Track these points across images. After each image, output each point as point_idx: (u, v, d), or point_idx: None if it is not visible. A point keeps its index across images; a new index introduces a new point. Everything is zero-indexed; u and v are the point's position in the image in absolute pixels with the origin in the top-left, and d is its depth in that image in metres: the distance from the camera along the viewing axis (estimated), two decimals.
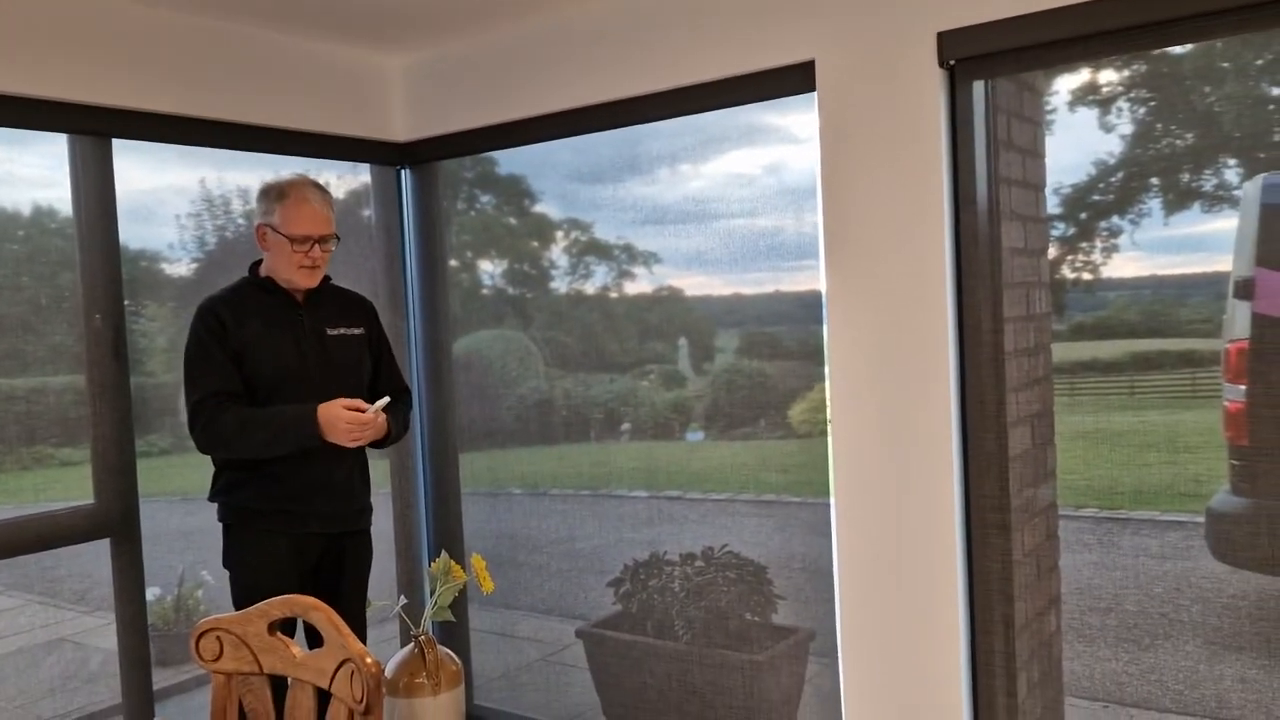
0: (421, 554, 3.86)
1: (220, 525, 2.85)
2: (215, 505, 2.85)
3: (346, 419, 2.63)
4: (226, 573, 2.84)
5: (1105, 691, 3.92)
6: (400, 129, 3.66)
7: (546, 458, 4.10)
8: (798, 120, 3.11)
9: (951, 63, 2.54)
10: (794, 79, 2.73)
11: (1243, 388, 2.79)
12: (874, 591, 2.68)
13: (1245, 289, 2.78)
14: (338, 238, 2.84)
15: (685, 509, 4.38)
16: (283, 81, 3.29)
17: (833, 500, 2.76)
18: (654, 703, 3.21)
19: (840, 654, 2.78)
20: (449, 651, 3.06)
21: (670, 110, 3.08)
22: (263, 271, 2.88)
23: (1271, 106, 2.94)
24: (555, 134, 3.39)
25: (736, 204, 3.39)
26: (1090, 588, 5.08)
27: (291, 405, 2.71)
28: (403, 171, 3.81)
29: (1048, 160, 3.00)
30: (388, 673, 2.98)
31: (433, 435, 3.81)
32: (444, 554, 3.09)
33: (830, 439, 2.75)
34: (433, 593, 3.04)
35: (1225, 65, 3.10)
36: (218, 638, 1.99)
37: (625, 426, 3.88)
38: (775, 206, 3.27)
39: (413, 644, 2.97)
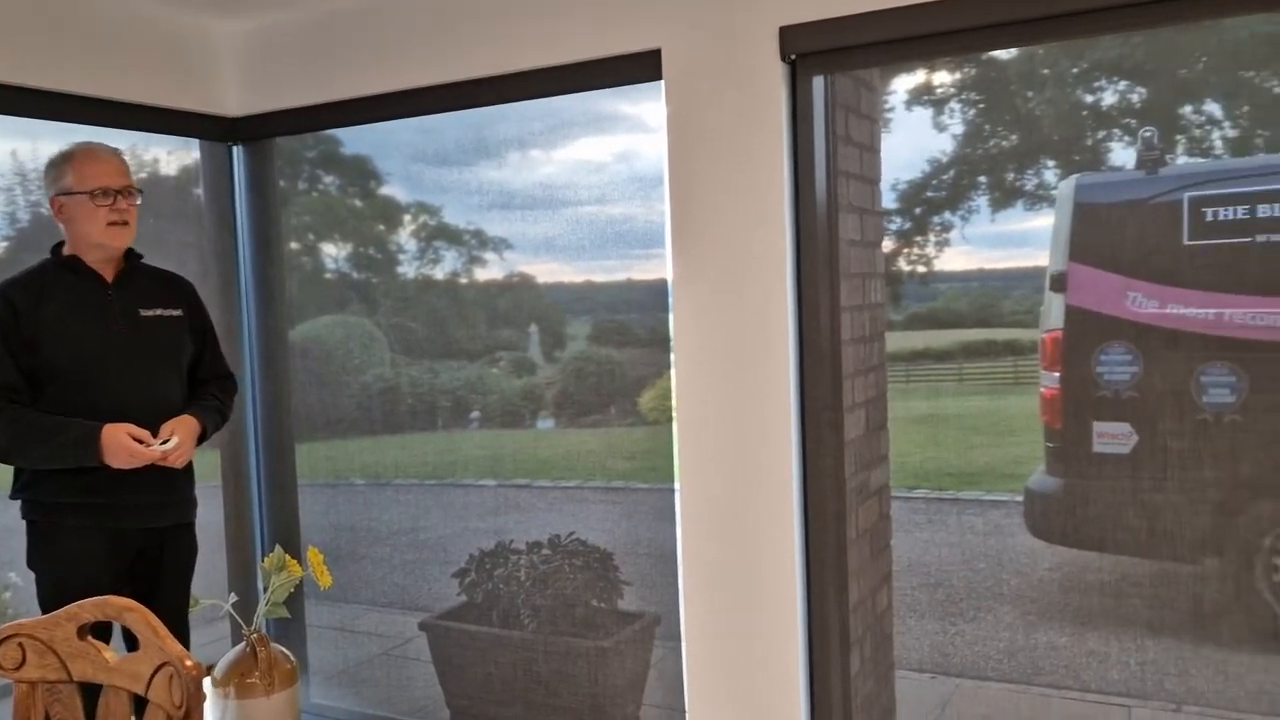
0: (255, 549, 3.70)
1: (24, 523, 2.66)
2: (18, 502, 2.65)
3: (129, 450, 2.48)
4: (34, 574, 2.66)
5: (933, 663, 4.14)
6: (232, 103, 3.47)
7: (391, 447, 4.01)
8: (649, 109, 3.13)
9: (793, 57, 2.61)
10: (640, 67, 2.73)
11: (1057, 375, 3.00)
12: (715, 574, 2.73)
13: (1060, 282, 2.98)
14: (140, 192, 2.67)
15: (534, 497, 4.36)
16: (101, 46, 3.06)
17: (677, 485, 2.80)
18: (499, 693, 3.18)
19: (683, 637, 2.82)
20: (283, 649, 2.95)
21: (517, 94, 3.03)
22: (66, 251, 2.68)
23: (1086, 112, 3.10)
24: (398, 113, 3.29)
25: (588, 191, 3.37)
26: (921, 565, 5.34)
27: (76, 421, 2.52)
28: (234, 148, 3.62)
29: (886, 157, 3.13)
30: (218, 673, 2.85)
31: (267, 425, 3.65)
32: (278, 548, 2.97)
33: (675, 425, 2.79)
34: (267, 589, 2.92)
35: (1045, 72, 3.28)
36: (20, 644, 1.84)
37: (474, 414, 3.85)
38: (626, 194, 3.27)
39: (244, 643, 2.85)
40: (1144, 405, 2.78)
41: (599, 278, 3.46)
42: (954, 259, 3.31)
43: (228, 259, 3.64)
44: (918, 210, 3.32)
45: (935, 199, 3.31)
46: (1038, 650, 4.17)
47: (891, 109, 3.31)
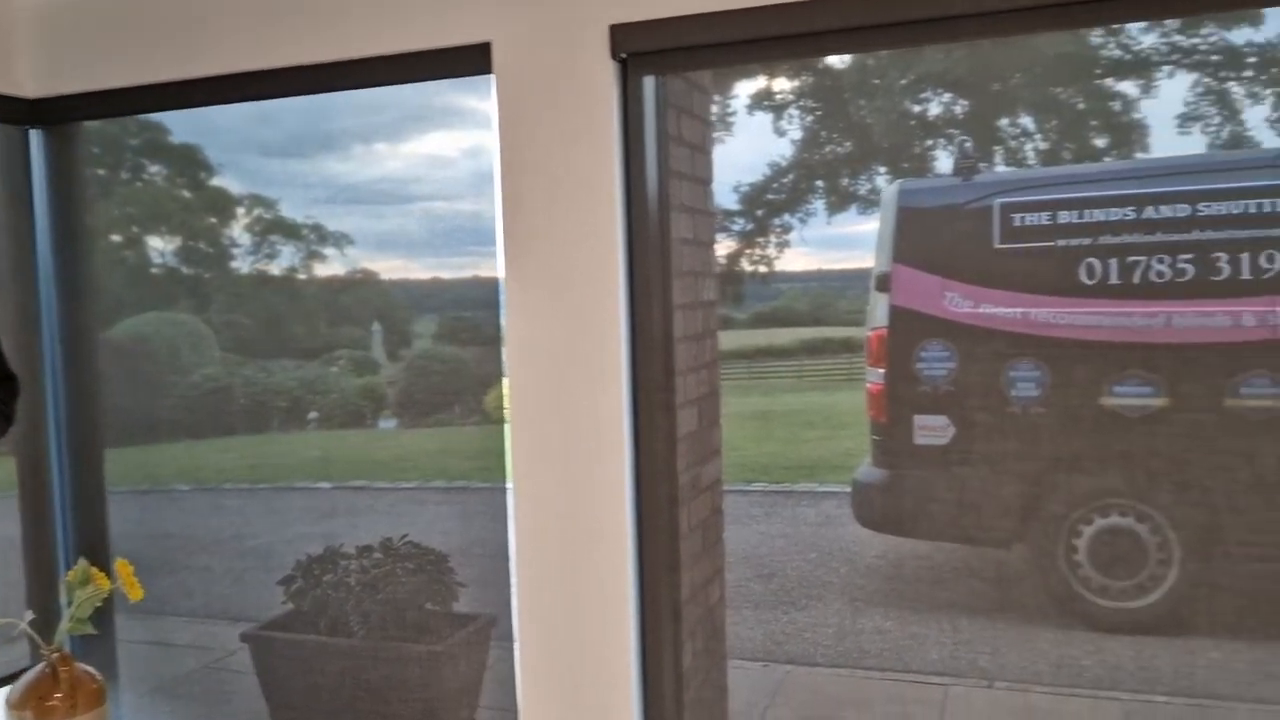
0: (57, 563, 3.43)
1: None
2: None
3: None
4: None
5: (766, 651, 4.26)
6: (27, 82, 3.19)
7: (221, 450, 3.83)
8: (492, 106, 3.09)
9: (623, 56, 2.60)
10: (471, 60, 2.67)
11: (882, 371, 3.10)
12: (547, 573, 2.70)
13: (884, 282, 3.09)
14: None
15: (371, 499, 4.24)
16: None
17: (510, 484, 2.76)
18: (326, 704, 3.07)
19: (516, 637, 2.79)
20: (88, 668, 2.74)
21: (342, 83, 2.90)
22: None
23: (913, 121, 3.27)
24: (217, 99, 3.10)
25: (435, 186, 3.30)
26: (756, 556, 5.49)
27: None
28: (31, 132, 3.35)
29: (729, 159, 3.17)
30: (13, 697, 2.63)
31: (72, 429, 3.39)
32: (82, 561, 2.77)
33: (508, 424, 2.75)
34: (71, 604, 2.72)
35: (877, 82, 3.40)
36: None
37: (312, 415, 3.73)
38: (474, 190, 3.21)
39: (44, 663, 2.64)
40: (960, 399, 2.91)
41: (446, 274, 3.40)
42: (794, 260, 3.43)
43: (24, 251, 3.37)
44: (759, 212, 3.41)
45: (776, 201, 3.41)
46: (864, 635, 4.36)
47: (734, 113, 3.37)
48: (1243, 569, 2.82)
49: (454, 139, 3.29)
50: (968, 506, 2.97)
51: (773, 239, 3.45)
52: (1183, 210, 2.71)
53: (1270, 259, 2.61)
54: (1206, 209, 2.68)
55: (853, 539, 5.54)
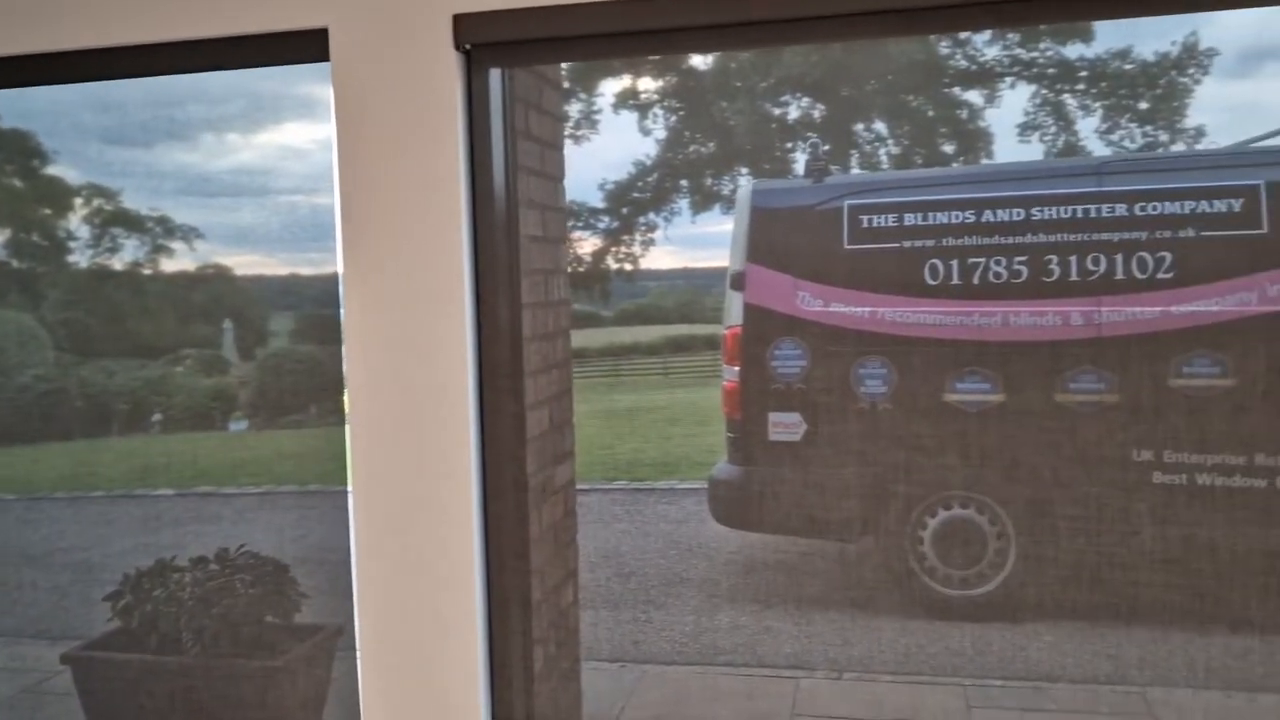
0: None
1: None
2: None
3: None
4: None
5: (623, 651, 4.25)
6: None
7: (53, 456, 3.58)
8: None
9: (468, 47, 2.53)
10: (307, 45, 2.55)
11: (737, 369, 3.12)
12: (390, 580, 2.61)
13: (739, 281, 3.10)
14: None
15: (219, 505, 4.03)
16: None
17: (350, 490, 2.66)
18: None
19: (359, 647, 2.69)
20: None
21: (165, 66, 2.71)
22: None
23: (774, 124, 3.35)
24: (23, 80, 2.89)
25: (291, 179, 3.20)
26: (616, 555, 5.47)
27: None
28: None
29: (595, 158, 3.14)
30: None
31: None
32: None
33: (348, 426, 2.65)
34: None
35: (738, 85, 3.45)
36: None
37: (156, 418, 3.52)
38: (331, 184, 3.11)
39: None
40: (812, 396, 2.96)
41: (304, 270, 3.32)
42: (659, 258, 3.50)
43: None
44: (625, 210, 3.47)
45: (641, 200, 3.47)
46: (720, 631, 4.40)
47: (599, 111, 3.36)
48: (1072, 557, 2.93)
49: (310, 130, 3.18)
50: (819, 501, 3.02)
51: (638, 237, 3.50)
52: (1018, 214, 2.81)
53: (1095, 261, 2.74)
54: (1039, 214, 2.79)
55: (711, 536, 5.59)
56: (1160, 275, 2.70)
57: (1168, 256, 2.69)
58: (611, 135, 3.40)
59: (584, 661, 3.25)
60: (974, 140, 3.33)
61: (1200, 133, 3.14)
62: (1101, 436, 2.76)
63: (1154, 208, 2.73)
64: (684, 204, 3.48)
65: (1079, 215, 2.76)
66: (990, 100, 3.27)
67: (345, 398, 3.43)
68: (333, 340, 3.48)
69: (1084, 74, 3.15)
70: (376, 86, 2.47)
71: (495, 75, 2.50)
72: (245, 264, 3.36)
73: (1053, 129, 3.23)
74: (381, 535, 2.60)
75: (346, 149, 2.52)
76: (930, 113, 3.38)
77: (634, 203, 3.47)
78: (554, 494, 2.75)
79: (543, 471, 2.69)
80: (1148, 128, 3.17)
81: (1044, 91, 3.17)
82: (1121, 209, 2.74)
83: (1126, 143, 3.19)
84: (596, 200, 3.50)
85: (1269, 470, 2.65)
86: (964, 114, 3.31)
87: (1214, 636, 3.90)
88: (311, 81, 3.01)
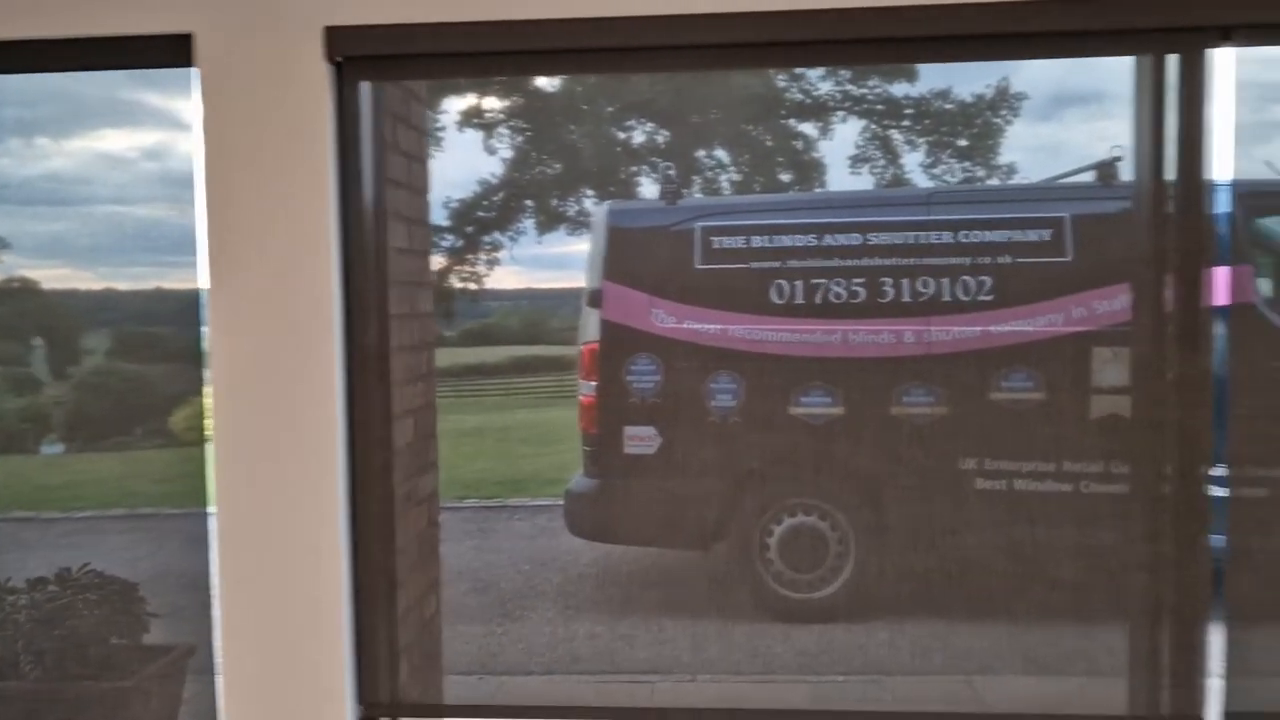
0: None
1: None
2: None
3: None
4: None
5: (481, 664, 4.31)
6: None
7: None
8: (184, 103, 2.93)
9: (339, 60, 2.58)
10: (170, 51, 2.53)
11: (594, 384, 3.25)
12: (255, 595, 2.61)
13: (596, 299, 3.24)
14: None
15: (39, 531, 3.85)
16: None
17: (214, 507, 2.65)
18: None
19: (219, 665, 2.67)
20: None
21: (34, 64, 2.62)
22: None
23: (619, 148, 3.42)
24: None
25: (108, 188, 3.09)
26: (470, 571, 5.51)
27: None
28: None
29: (439, 175, 3.19)
30: None
31: None
32: None
33: (213, 444, 2.63)
34: None
35: (585, 108, 3.57)
36: None
37: None
38: (156, 195, 3.03)
39: None
40: (666, 410, 3.10)
41: (122, 285, 3.19)
42: (504, 278, 3.46)
43: None
44: (469, 229, 3.44)
45: (486, 219, 3.45)
46: (576, 640, 4.52)
47: (443, 128, 3.42)
48: (906, 559, 3.19)
49: (132, 138, 3.11)
50: (673, 512, 3.15)
51: (483, 256, 3.49)
52: (856, 239, 3.03)
53: (925, 284, 2.98)
54: (874, 239, 3.02)
55: (565, 549, 5.70)
56: (982, 297, 2.96)
57: (988, 280, 2.96)
58: (457, 153, 3.39)
59: (444, 674, 3.31)
60: (809, 170, 3.46)
61: (1012, 169, 3.31)
62: (931, 446, 2.99)
63: (976, 235, 2.99)
64: (530, 224, 3.47)
65: (910, 241, 3.00)
66: (824, 133, 3.38)
67: (177, 418, 3.38)
68: (159, 358, 3.43)
69: (909, 111, 3.33)
70: (245, 95, 2.50)
71: (365, 88, 2.57)
72: (55, 277, 3.22)
73: (881, 161, 3.38)
74: (246, 552, 2.60)
75: (214, 160, 2.53)
76: (769, 142, 3.50)
77: (479, 221, 3.45)
78: (419, 504, 2.81)
79: (408, 481, 2.75)
80: (966, 163, 3.35)
81: (873, 126, 3.33)
82: (948, 236, 3.00)
83: (948, 177, 3.37)
84: (441, 218, 3.55)
85: (1074, 475, 2.98)
86: (800, 145, 3.43)
87: (1030, 626, 4.32)
88: (132, 87, 2.98)
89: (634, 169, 3.48)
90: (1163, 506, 2.53)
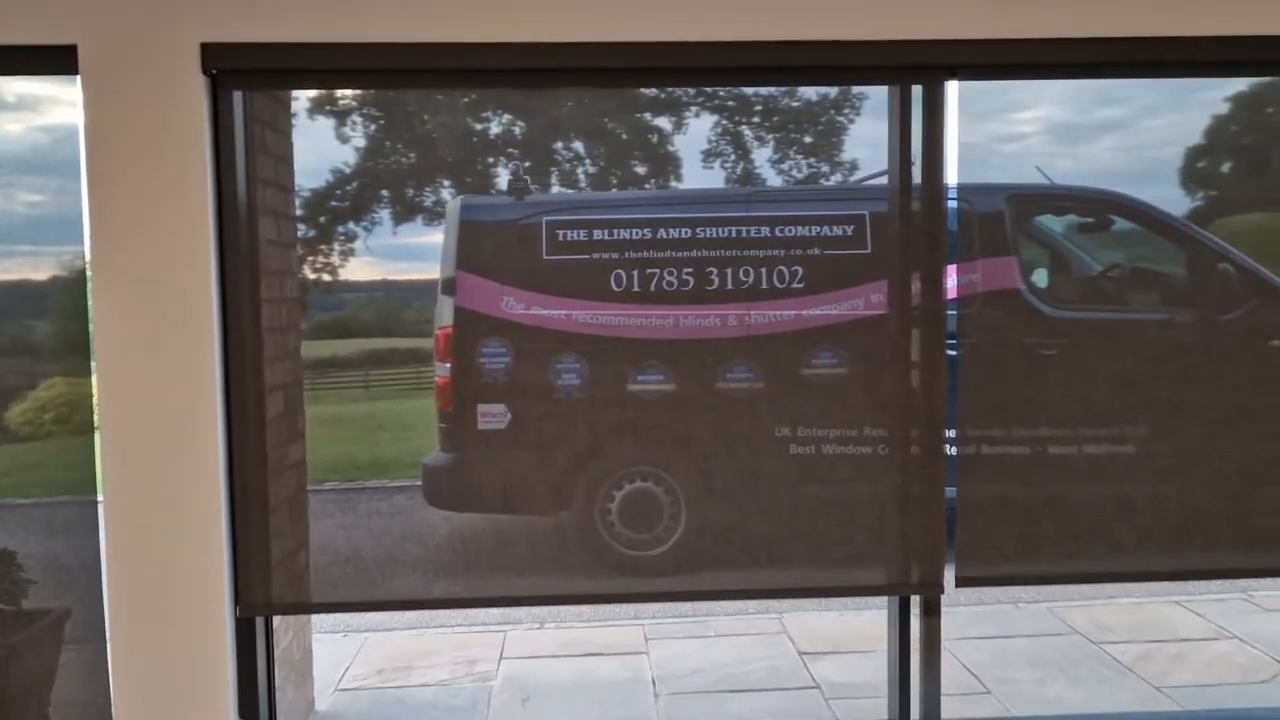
0: None
1: None
2: None
3: None
4: None
5: (345, 623, 4.64)
6: None
7: None
8: (11, 88, 3.06)
9: (214, 72, 2.90)
10: (55, 60, 2.79)
11: (448, 365, 3.49)
12: (140, 566, 2.91)
13: (450, 286, 3.47)
14: None
15: None
16: None
17: (100, 494, 2.92)
18: None
19: (109, 626, 2.95)
20: None
21: None
22: None
23: (475, 139, 3.47)
24: None
25: None
26: (333, 545, 5.79)
27: None
28: None
29: (293, 163, 3.40)
30: None
31: None
32: None
33: (99, 433, 2.89)
34: None
35: (440, 98, 3.57)
36: None
37: None
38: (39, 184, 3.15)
39: None
40: (515, 389, 3.35)
41: None
42: (359, 269, 3.48)
43: None
44: (322, 219, 3.43)
45: (340, 209, 3.45)
46: (434, 601, 4.92)
47: (296, 115, 3.42)
48: (730, 517, 3.46)
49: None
50: (523, 482, 3.41)
51: (337, 247, 3.46)
52: (685, 233, 3.34)
53: (746, 274, 3.33)
54: (702, 233, 3.34)
55: (423, 523, 6.02)
56: (794, 285, 3.33)
57: (800, 270, 3.33)
58: (307, 141, 3.37)
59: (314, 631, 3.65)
60: (664, 163, 3.54)
61: (854, 166, 3.51)
62: (752, 417, 3.35)
63: (790, 230, 3.36)
64: (385, 214, 3.46)
65: (733, 235, 3.34)
66: (678, 127, 3.47)
67: (13, 412, 3.47)
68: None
69: (759, 108, 3.47)
70: (127, 103, 2.82)
71: (238, 97, 2.92)
72: None
73: (733, 156, 3.50)
74: (132, 529, 2.91)
75: (95, 162, 2.84)
76: (624, 136, 3.55)
77: (332, 211, 3.43)
78: (289, 469, 3.18)
79: (279, 448, 3.11)
80: (812, 159, 3.50)
81: (724, 122, 3.45)
82: (766, 231, 3.35)
83: (795, 172, 3.54)
84: (294, 208, 3.45)
85: (873, 439, 3.39)
86: (654, 139, 3.51)
87: (830, 570, 4.95)
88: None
89: (490, 160, 3.49)
90: (910, 463, 3.15)
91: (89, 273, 2.93)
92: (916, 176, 3.14)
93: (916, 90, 3.05)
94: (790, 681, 3.65)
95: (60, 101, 3.17)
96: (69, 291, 3.24)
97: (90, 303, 2.92)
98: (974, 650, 3.80)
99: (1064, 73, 3.18)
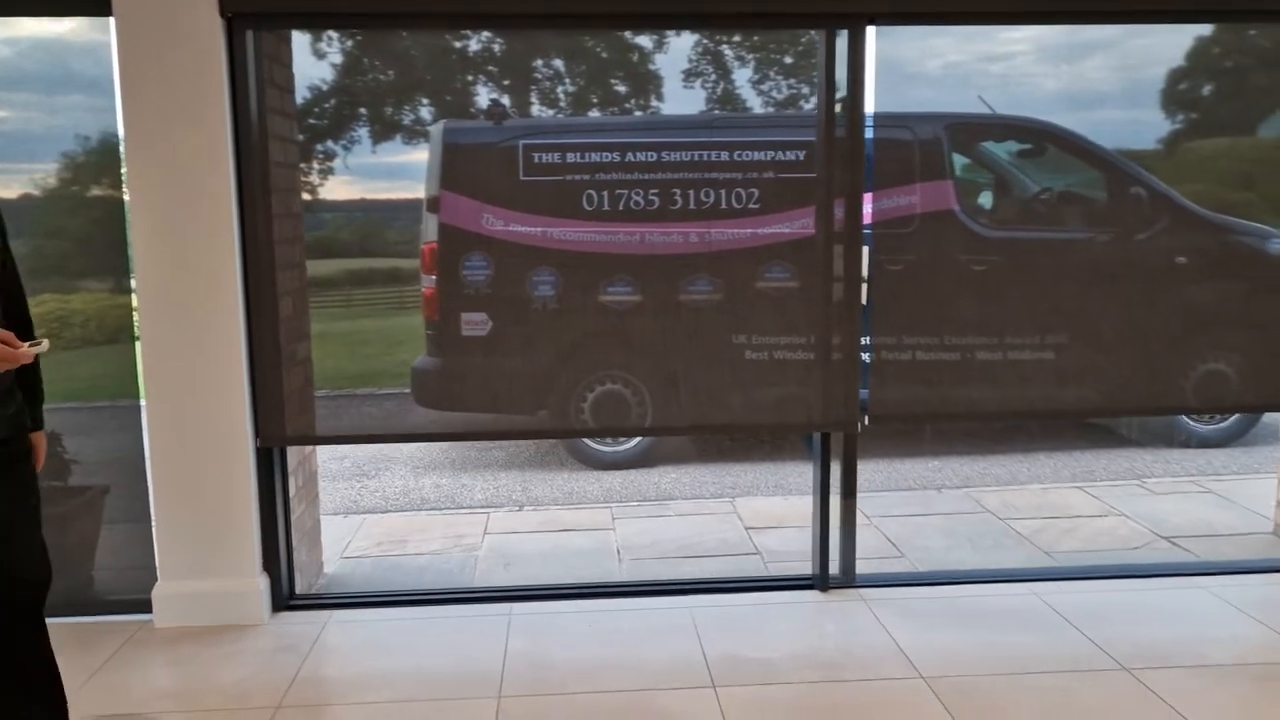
0: None
1: None
2: None
3: (3, 354, 2.02)
4: None
5: (346, 507, 5.23)
6: None
7: None
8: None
9: (229, 15, 3.31)
10: (91, 1, 3.25)
11: (434, 277, 3.74)
12: (178, 444, 3.39)
13: (434, 204, 3.72)
14: None
15: None
16: None
17: (144, 391, 3.39)
18: None
19: (153, 505, 3.47)
20: None
21: None
22: None
23: (454, 56, 3.59)
24: None
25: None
26: (328, 447, 6.37)
27: None
28: None
29: (294, 93, 3.50)
30: None
31: None
32: None
33: (140, 308, 3.34)
34: None
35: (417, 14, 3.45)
36: None
37: None
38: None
39: None
40: (496, 299, 3.62)
41: None
42: (338, 188, 3.58)
43: None
44: (301, 137, 3.52)
45: (318, 127, 3.55)
46: (424, 489, 5.47)
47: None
48: (692, 417, 3.69)
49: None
50: (504, 383, 3.67)
51: (316, 166, 3.56)
52: (652, 157, 3.61)
53: (707, 195, 3.62)
54: (667, 156, 3.61)
55: (412, 425, 6.62)
56: (751, 206, 3.61)
57: (756, 192, 3.61)
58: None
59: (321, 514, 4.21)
60: (644, 82, 3.64)
61: (834, 87, 3.59)
62: (712, 326, 3.64)
63: (747, 155, 3.62)
64: (364, 133, 3.52)
65: (696, 159, 3.60)
66: (659, 46, 3.57)
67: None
68: None
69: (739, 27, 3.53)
70: (155, 41, 3.28)
71: (250, 36, 3.38)
72: None
73: (713, 76, 3.64)
74: (172, 428, 3.36)
75: (130, 93, 3.30)
76: (604, 54, 3.65)
77: (311, 130, 3.51)
78: (299, 364, 3.69)
79: (290, 345, 3.62)
80: (791, 80, 3.65)
81: (705, 42, 3.57)
82: (725, 155, 3.61)
83: (775, 93, 3.68)
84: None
85: (821, 346, 3.73)
86: (635, 58, 3.63)
87: (785, 462, 5.58)
88: None
89: (469, 78, 3.58)
90: (830, 366, 3.66)
91: (125, 197, 3.40)
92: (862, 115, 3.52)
93: (841, 35, 3.50)
94: (736, 550, 4.24)
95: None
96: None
97: (128, 222, 3.37)
98: (897, 525, 4.41)
99: (977, 19, 3.55)
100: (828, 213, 3.55)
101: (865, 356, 3.81)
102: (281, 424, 3.45)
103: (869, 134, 3.59)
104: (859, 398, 3.67)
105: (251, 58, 3.30)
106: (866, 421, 3.69)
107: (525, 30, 3.48)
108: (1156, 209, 3.94)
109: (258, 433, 3.44)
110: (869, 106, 3.53)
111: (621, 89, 3.65)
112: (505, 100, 3.64)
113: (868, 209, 3.65)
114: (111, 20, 3.19)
